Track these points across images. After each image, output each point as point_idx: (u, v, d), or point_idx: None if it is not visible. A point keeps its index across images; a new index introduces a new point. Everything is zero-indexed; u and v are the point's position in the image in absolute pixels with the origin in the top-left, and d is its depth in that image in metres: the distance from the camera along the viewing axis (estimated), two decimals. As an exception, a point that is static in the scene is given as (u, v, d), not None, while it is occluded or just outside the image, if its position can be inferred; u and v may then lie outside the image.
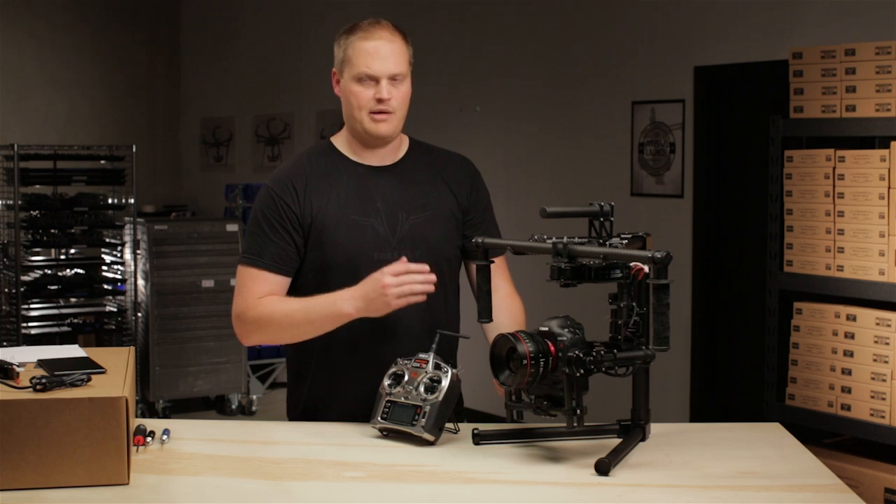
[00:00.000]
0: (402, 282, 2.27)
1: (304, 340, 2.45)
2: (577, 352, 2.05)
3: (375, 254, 2.45)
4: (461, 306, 2.61)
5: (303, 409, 2.54)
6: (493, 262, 2.37)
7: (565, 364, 2.05)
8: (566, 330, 2.09)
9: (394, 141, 2.54)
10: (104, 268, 6.62)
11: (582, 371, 2.04)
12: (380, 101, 2.44)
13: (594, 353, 2.06)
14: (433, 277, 2.30)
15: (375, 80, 2.45)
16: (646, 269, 2.16)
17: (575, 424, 2.05)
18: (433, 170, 2.57)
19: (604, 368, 2.08)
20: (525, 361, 2.03)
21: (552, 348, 2.06)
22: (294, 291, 2.47)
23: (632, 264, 2.12)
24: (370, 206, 2.48)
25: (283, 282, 2.46)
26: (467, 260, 2.60)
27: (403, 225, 2.48)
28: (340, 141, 2.58)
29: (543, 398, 2.13)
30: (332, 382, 2.50)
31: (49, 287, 6.31)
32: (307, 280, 2.47)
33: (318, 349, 2.47)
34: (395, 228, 2.48)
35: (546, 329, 2.10)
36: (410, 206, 2.50)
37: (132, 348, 2.36)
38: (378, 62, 2.44)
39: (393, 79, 2.45)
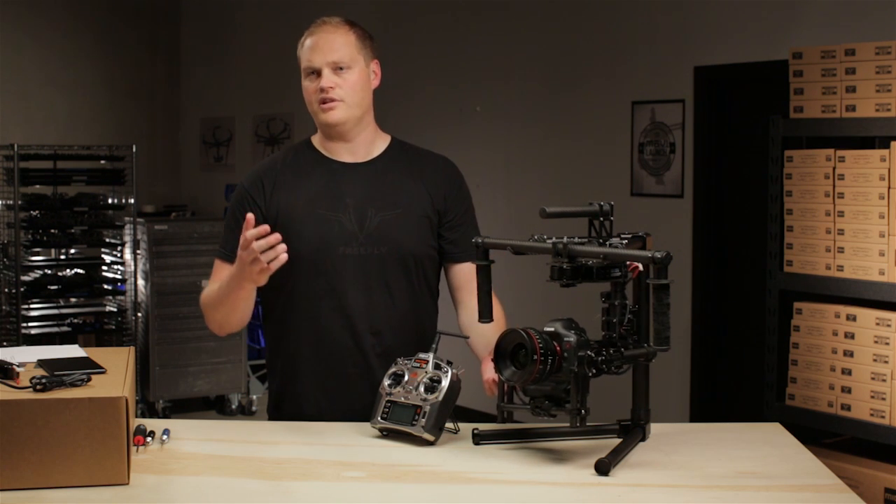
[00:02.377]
0: (260, 245, 2.21)
1: (271, 337, 2.55)
2: (588, 351, 2.05)
3: (341, 248, 2.47)
4: (441, 306, 2.61)
5: (274, 405, 2.60)
6: (493, 261, 2.36)
7: (574, 364, 2.04)
8: (572, 331, 2.09)
9: (361, 134, 2.56)
10: (104, 268, 6.62)
11: (594, 370, 2.04)
12: (322, 90, 2.48)
13: (605, 353, 2.06)
14: (274, 235, 2.22)
15: (318, 71, 2.50)
16: (640, 267, 2.17)
17: (578, 424, 2.05)
18: (409, 169, 2.58)
19: (614, 367, 2.08)
20: (535, 357, 2.03)
21: (557, 348, 2.06)
22: (265, 284, 2.45)
23: (627, 263, 2.12)
24: (339, 201, 2.50)
25: None
26: (445, 262, 2.60)
27: (372, 221, 2.50)
28: (317, 139, 2.62)
29: (544, 398, 2.13)
30: (295, 377, 2.53)
31: (49, 287, 6.31)
32: (275, 274, 2.43)
33: (282, 345, 2.52)
34: (364, 224, 2.49)
35: (552, 329, 2.10)
36: (381, 202, 2.51)
37: (132, 348, 2.36)
38: (317, 54, 2.50)
39: (337, 68, 2.49)
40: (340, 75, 2.49)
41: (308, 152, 2.59)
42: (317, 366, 2.50)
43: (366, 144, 2.57)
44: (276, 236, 2.23)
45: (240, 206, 2.52)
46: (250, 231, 2.22)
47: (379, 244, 2.49)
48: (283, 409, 2.57)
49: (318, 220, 2.48)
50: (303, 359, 2.51)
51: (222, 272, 2.49)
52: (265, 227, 2.23)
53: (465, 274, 2.56)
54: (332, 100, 2.49)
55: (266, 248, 2.22)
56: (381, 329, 2.47)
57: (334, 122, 2.51)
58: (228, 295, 2.42)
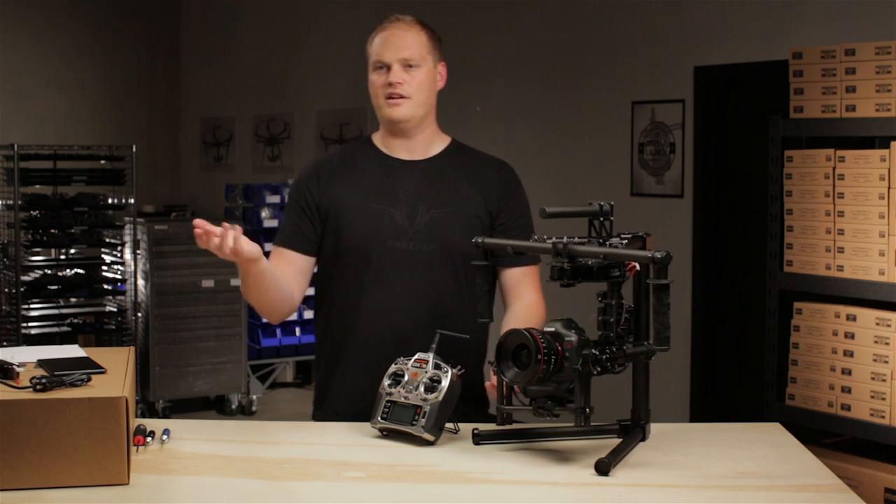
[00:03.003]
0: (209, 230, 2.27)
1: (318, 327, 2.61)
2: (592, 350, 2.05)
3: (389, 241, 2.50)
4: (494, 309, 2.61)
5: (318, 395, 2.62)
6: (492, 263, 2.36)
7: (577, 363, 2.04)
8: (572, 331, 2.09)
9: (423, 132, 2.58)
10: (104, 268, 6.62)
11: (599, 369, 2.04)
12: (390, 84, 2.50)
13: (608, 351, 2.06)
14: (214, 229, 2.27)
15: (387, 66, 2.51)
16: (637, 266, 2.17)
17: (582, 423, 2.05)
18: (466, 170, 2.60)
19: (618, 366, 2.08)
20: (539, 357, 2.03)
21: (559, 348, 2.06)
22: (319, 275, 2.60)
23: (625, 262, 2.12)
24: (391, 196, 2.53)
25: (300, 259, 2.56)
26: (499, 266, 2.59)
27: (422, 217, 2.52)
28: (377, 136, 2.65)
29: (546, 398, 2.12)
30: (337, 369, 2.55)
31: (49, 287, 6.31)
32: (324, 263, 2.58)
33: (327, 335, 2.55)
34: (414, 220, 2.52)
35: (552, 329, 2.10)
36: (433, 200, 2.54)
37: (132, 348, 2.36)
38: (388, 49, 2.52)
39: (407, 65, 2.51)
40: (409, 72, 2.52)
41: (367, 148, 2.63)
42: (358, 358, 2.51)
43: (425, 143, 2.60)
44: (208, 232, 2.26)
45: (297, 196, 2.60)
46: (198, 229, 2.27)
47: (428, 241, 2.51)
48: (327, 399, 2.60)
49: (369, 213, 2.52)
50: (346, 350, 2.53)
51: (278, 258, 2.57)
52: (202, 225, 2.26)
53: (514, 278, 2.58)
54: (400, 96, 2.51)
55: (209, 243, 2.27)
56: (422, 325, 2.44)
57: (399, 119, 2.53)
58: (244, 280, 2.47)
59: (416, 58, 2.52)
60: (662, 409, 3.75)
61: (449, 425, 2.24)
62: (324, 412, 2.60)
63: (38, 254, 6.50)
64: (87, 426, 1.89)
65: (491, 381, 2.26)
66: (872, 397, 3.51)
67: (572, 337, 2.07)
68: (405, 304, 2.49)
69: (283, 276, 2.50)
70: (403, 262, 2.51)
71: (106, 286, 6.52)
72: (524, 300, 2.56)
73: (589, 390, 2.06)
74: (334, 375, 2.57)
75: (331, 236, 2.55)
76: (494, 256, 2.54)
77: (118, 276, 6.50)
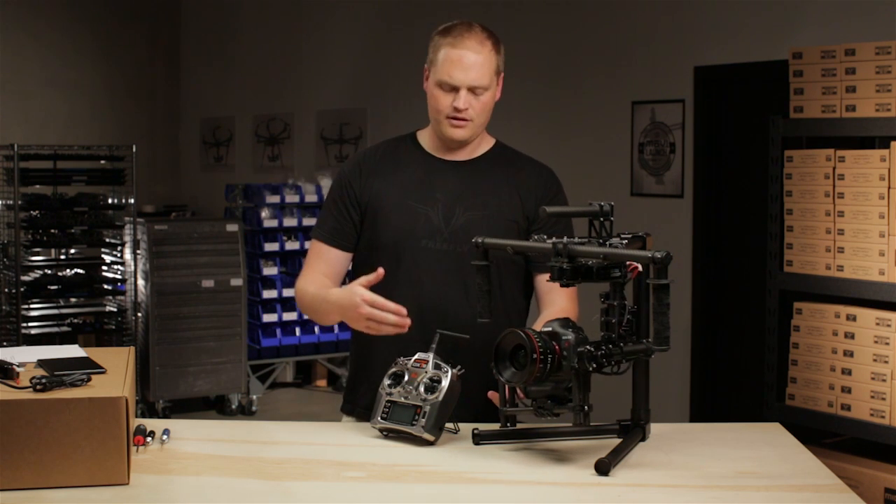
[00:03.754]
0: (373, 314, 2.29)
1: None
2: (588, 347, 2.05)
3: (424, 240, 2.51)
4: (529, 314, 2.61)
5: (349, 389, 2.64)
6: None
7: (575, 360, 2.04)
8: (570, 330, 2.09)
9: (473, 141, 2.58)
10: (104, 268, 6.62)
11: (594, 365, 2.04)
12: (456, 108, 2.49)
13: (604, 348, 2.06)
14: (407, 322, 2.29)
15: (456, 88, 2.49)
16: (640, 267, 2.17)
17: (581, 421, 2.05)
18: (506, 173, 2.60)
19: (613, 363, 2.08)
20: (535, 356, 2.03)
21: (556, 347, 2.07)
22: (352, 269, 2.61)
23: (627, 263, 2.12)
24: (430, 196, 2.54)
25: (339, 255, 2.59)
26: (533, 270, 2.58)
27: (458, 219, 2.52)
28: (423, 135, 2.64)
29: (546, 398, 2.13)
30: (367, 365, 2.55)
31: (49, 287, 6.31)
32: (360, 258, 2.59)
33: (358, 334, 2.52)
34: (450, 220, 2.52)
35: (549, 329, 2.10)
36: (471, 201, 2.53)
37: (132, 348, 2.36)
38: (460, 72, 2.47)
39: (473, 90, 2.48)
40: (476, 96, 2.49)
41: (410, 145, 2.63)
42: (387, 356, 2.46)
43: (470, 147, 2.60)
44: (407, 321, 2.28)
45: (338, 189, 2.60)
46: (392, 305, 2.28)
47: (462, 242, 2.50)
48: (357, 392, 2.60)
49: (406, 211, 2.52)
50: (375, 347, 2.52)
51: (319, 254, 2.59)
52: (400, 310, 2.28)
53: (546, 284, 2.56)
54: (464, 119, 2.50)
55: (377, 319, 2.28)
56: (450, 326, 2.39)
57: (460, 139, 2.54)
58: (321, 311, 2.50)
59: (485, 83, 2.49)
60: (662, 409, 3.75)
61: (449, 425, 2.24)
62: (353, 405, 2.62)
63: (38, 254, 6.50)
64: (87, 426, 1.89)
65: (491, 394, 2.26)
66: (872, 397, 3.51)
67: (569, 336, 2.08)
68: (435, 304, 2.49)
69: (333, 285, 2.55)
70: (436, 262, 2.51)
71: (106, 286, 6.52)
72: (554, 306, 2.54)
73: (587, 388, 2.07)
74: (362, 370, 2.59)
75: (368, 231, 2.56)
76: (530, 261, 2.55)
77: (118, 276, 6.50)
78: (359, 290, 2.31)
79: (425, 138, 2.63)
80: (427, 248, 2.51)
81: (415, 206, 2.53)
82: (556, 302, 2.55)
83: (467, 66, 2.47)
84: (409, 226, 2.52)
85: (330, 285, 2.54)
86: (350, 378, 2.69)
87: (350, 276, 2.61)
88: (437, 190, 2.54)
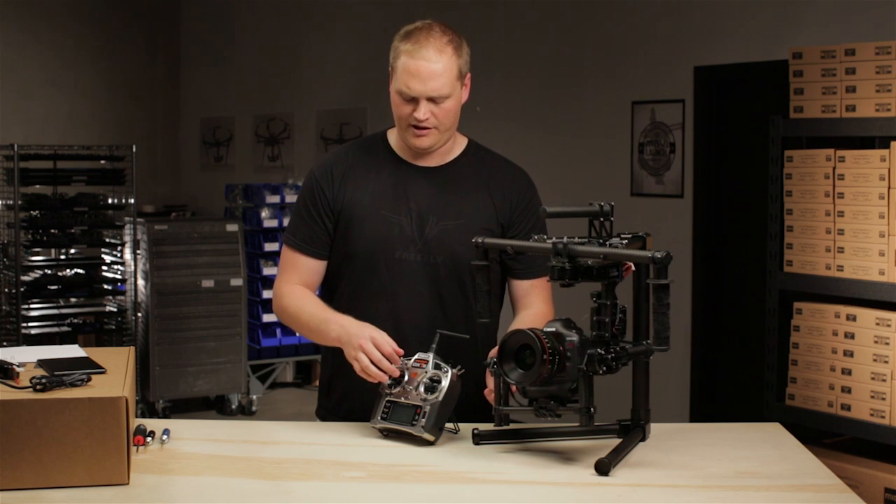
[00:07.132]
0: (370, 361, 2.26)
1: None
2: (598, 350, 2.05)
3: (398, 251, 2.46)
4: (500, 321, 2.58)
5: (324, 391, 2.60)
6: (492, 263, 2.35)
7: (581, 362, 2.04)
8: (573, 331, 2.09)
9: (443, 146, 2.52)
10: (104, 268, 6.62)
11: (605, 368, 2.04)
12: (417, 119, 2.42)
13: (613, 350, 2.06)
14: (395, 372, 2.27)
15: (415, 99, 2.42)
16: (633, 267, 2.17)
17: (587, 423, 2.05)
18: (479, 178, 2.54)
19: (621, 365, 2.08)
20: (545, 357, 2.03)
21: (561, 348, 2.06)
22: (325, 277, 2.55)
23: (622, 262, 2.12)
24: (402, 204, 2.48)
25: (314, 264, 2.52)
26: (509, 276, 2.56)
27: (432, 229, 2.47)
28: (393, 136, 2.57)
29: (549, 398, 2.12)
30: (342, 372, 2.49)
31: (49, 287, 6.30)
32: (333, 267, 2.53)
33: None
34: (423, 231, 2.47)
35: (553, 330, 2.10)
36: (443, 211, 2.48)
37: (132, 348, 2.36)
38: (417, 84, 2.40)
39: (433, 100, 2.41)
40: (437, 104, 2.42)
41: (381, 147, 2.55)
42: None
43: (441, 152, 2.53)
44: (396, 372, 2.26)
45: (310, 195, 2.52)
46: (394, 358, 2.26)
47: (436, 253, 2.46)
48: (332, 396, 2.58)
49: (379, 221, 2.46)
50: (346, 362, 2.46)
51: (294, 264, 2.52)
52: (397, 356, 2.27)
53: (523, 289, 2.54)
54: (426, 128, 2.43)
55: (376, 364, 2.25)
56: (427, 337, 2.36)
57: (424, 148, 2.47)
58: (312, 334, 2.47)
59: (445, 91, 2.41)
60: (662, 409, 3.75)
61: (449, 425, 2.24)
62: (326, 411, 2.59)
63: (38, 254, 6.50)
64: (87, 426, 1.89)
65: (490, 388, 2.25)
66: (872, 397, 3.51)
67: (573, 337, 2.07)
68: (410, 316, 2.45)
69: (313, 295, 2.52)
70: (411, 274, 2.46)
71: (106, 286, 6.52)
72: (532, 308, 2.53)
73: (592, 390, 2.06)
74: (337, 378, 2.55)
75: (340, 240, 2.50)
76: (505, 267, 2.53)
77: (118, 276, 6.50)
78: (378, 332, 2.29)
79: (395, 139, 2.55)
80: (402, 259, 2.45)
81: (388, 215, 2.46)
82: (533, 304, 2.53)
83: (425, 77, 2.39)
84: (382, 236, 2.46)
85: (318, 301, 2.49)
86: (323, 384, 2.62)
87: (323, 285, 2.57)
88: (410, 199, 2.48)
